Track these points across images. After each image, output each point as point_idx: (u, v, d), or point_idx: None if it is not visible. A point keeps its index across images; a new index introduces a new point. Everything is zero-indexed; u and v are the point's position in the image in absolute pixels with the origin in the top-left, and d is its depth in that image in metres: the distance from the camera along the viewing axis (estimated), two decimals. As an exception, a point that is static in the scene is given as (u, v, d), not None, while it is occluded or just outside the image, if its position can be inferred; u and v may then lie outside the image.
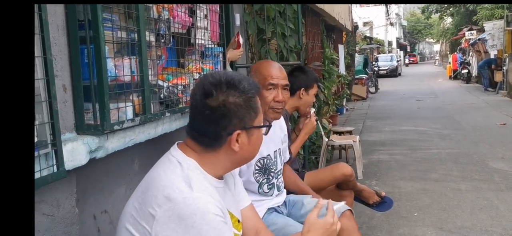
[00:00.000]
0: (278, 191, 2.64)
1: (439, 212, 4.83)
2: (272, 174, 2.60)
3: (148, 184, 1.54)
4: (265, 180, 2.56)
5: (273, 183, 2.60)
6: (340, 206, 1.89)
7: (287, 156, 2.90)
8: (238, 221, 1.75)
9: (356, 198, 3.42)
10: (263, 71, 2.55)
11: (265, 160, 2.57)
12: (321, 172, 3.51)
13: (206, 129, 1.55)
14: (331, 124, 8.58)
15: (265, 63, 2.66)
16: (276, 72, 2.55)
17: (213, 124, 1.54)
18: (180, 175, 1.52)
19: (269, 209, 2.56)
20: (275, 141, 2.68)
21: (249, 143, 1.61)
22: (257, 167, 2.53)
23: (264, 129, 1.67)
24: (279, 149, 2.71)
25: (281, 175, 2.70)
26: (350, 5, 15.16)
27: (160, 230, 1.43)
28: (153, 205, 1.46)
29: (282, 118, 2.78)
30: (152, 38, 2.58)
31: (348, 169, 3.25)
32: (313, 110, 3.57)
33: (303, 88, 3.41)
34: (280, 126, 2.78)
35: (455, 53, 30.01)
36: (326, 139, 6.36)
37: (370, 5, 39.14)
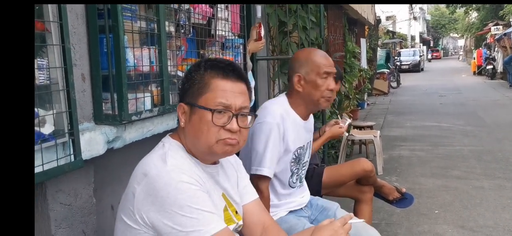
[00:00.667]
0: (300, 182, 2.62)
1: (461, 210, 4.74)
2: (301, 164, 2.58)
3: (135, 168, 1.58)
4: (296, 170, 2.54)
5: (299, 174, 2.58)
6: (357, 221, 1.85)
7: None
8: (236, 212, 1.72)
9: (376, 194, 3.36)
10: (317, 59, 2.43)
11: (301, 150, 2.54)
12: (341, 167, 3.45)
13: None
14: (351, 119, 8.49)
15: (316, 52, 2.52)
16: (330, 61, 2.47)
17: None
18: (160, 153, 1.55)
19: (291, 211, 2.52)
20: (310, 132, 2.65)
21: (190, 121, 1.57)
22: (294, 156, 2.49)
23: (209, 115, 1.52)
24: (310, 140, 2.67)
25: (306, 166, 2.67)
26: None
27: (140, 206, 1.46)
28: (133, 184, 1.50)
29: None
30: (172, 29, 2.56)
31: (369, 164, 3.18)
32: (348, 121, 3.51)
33: None
34: (312, 118, 2.72)
35: (480, 48, 29.49)
36: (346, 134, 6.29)
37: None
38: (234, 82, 1.56)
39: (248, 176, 1.93)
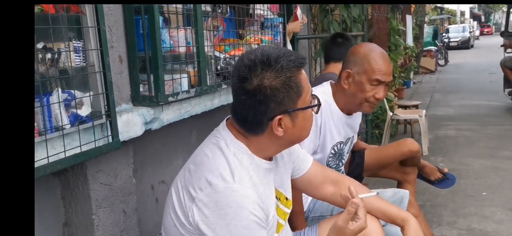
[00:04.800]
0: None
1: (510, 192, 4.56)
2: (343, 160, 2.48)
3: (196, 166, 1.50)
4: (335, 166, 2.43)
5: (341, 170, 2.48)
6: (368, 195, 1.68)
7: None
8: (286, 198, 1.69)
9: (418, 174, 3.27)
10: (373, 63, 2.21)
11: (341, 145, 2.42)
12: (385, 148, 3.35)
13: (246, 115, 1.46)
14: (396, 98, 8.30)
15: (376, 53, 2.26)
16: (386, 68, 2.23)
17: (251, 110, 1.43)
18: (226, 160, 1.46)
19: None
20: (353, 129, 2.51)
21: (294, 126, 1.47)
22: (332, 151, 2.38)
23: (310, 111, 1.53)
24: (353, 136, 2.54)
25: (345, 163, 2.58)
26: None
27: (195, 211, 1.42)
28: (195, 186, 1.44)
29: None
30: (209, 8, 2.54)
31: (416, 145, 3.08)
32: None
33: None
34: (360, 116, 2.59)
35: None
36: (391, 113, 6.16)
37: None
38: (303, 70, 1.52)
39: (298, 147, 1.83)
